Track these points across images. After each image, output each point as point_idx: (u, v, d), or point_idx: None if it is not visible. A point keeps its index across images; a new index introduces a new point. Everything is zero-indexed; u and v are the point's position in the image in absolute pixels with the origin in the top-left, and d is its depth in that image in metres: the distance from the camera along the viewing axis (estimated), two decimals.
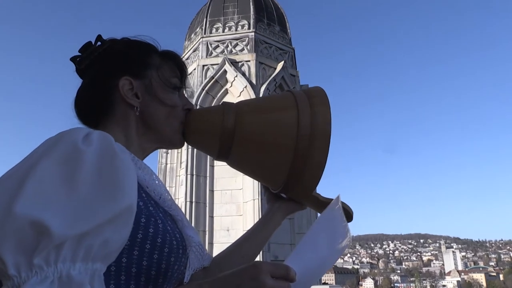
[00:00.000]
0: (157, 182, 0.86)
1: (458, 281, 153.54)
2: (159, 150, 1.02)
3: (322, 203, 1.04)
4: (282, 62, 8.64)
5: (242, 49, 8.59)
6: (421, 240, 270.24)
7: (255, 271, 0.64)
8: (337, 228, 0.82)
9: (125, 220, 0.65)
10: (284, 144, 0.93)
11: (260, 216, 1.14)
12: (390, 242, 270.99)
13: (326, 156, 0.92)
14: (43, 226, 0.56)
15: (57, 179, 0.61)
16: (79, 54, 0.95)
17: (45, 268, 0.56)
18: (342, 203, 1.05)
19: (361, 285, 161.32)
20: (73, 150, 0.65)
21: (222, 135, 0.95)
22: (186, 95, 1.04)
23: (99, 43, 0.95)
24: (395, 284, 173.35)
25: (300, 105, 0.95)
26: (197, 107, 7.83)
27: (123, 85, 0.89)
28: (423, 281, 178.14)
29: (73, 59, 0.95)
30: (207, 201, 7.56)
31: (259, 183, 1.16)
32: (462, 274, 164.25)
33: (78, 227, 0.58)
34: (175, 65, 0.98)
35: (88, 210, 0.60)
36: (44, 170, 0.61)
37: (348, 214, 1.06)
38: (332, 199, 0.99)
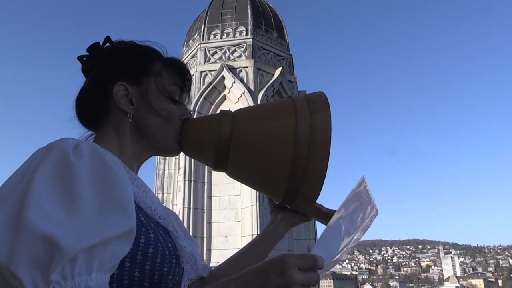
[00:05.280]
0: (147, 193, 0.84)
1: (456, 287, 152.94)
2: (156, 156, 1.01)
3: (325, 215, 1.00)
4: (280, 68, 8.65)
5: (240, 55, 8.60)
6: (420, 246, 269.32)
7: (281, 266, 0.60)
8: (361, 208, 0.79)
9: (130, 238, 0.65)
10: (282, 153, 0.88)
11: (258, 222, 1.13)
12: (388, 248, 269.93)
13: (326, 166, 0.87)
14: (55, 241, 0.56)
15: (55, 195, 0.61)
16: (87, 53, 0.94)
17: (62, 283, 0.56)
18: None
19: None
20: (65, 163, 0.64)
21: (218, 143, 0.91)
22: (187, 101, 1.01)
23: (107, 44, 0.94)
24: None
25: (299, 112, 0.89)
26: (195, 113, 7.84)
27: (117, 90, 0.87)
28: (422, 287, 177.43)
29: (80, 58, 0.95)
30: (205, 207, 7.52)
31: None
32: (461, 280, 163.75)
33: (86, 240, 0.58)
34: (177, 73, 0.96)
35: (95, 225, 0.60)
36: (40, 186, 0.60)
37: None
38: (335, 211, 0.97)
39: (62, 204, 0.60)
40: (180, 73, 0.97)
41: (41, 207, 0.58)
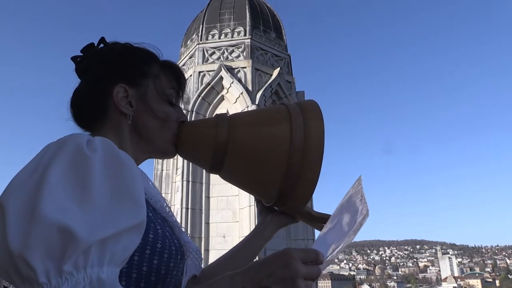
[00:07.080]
0: (153, 189, 0.87)
1: (454, 287, 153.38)
2: (153, 158, 1.03)
3: (315, 218, 1.04)
4: (278, 68, 8.66)
5: (238, 56, 8.61)
6: (417, 246, 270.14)
7: (286, 259, 0.62)
8: (356, 207, 0.82)
9: (140, 230, 0.66)
10: (277, 159, 0.92)
11: (256, 223, 1.15)
12: (386, 248, 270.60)
13: (319, 172, 0.91)
14: (70, 232, 0.56)
15: (69, 186, 0.61)
16: (81, 54, 0.94)
17: (75, 274, 0.56)
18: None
19: None
20: (80, 156, 0.65)
21: (214, 148, 0.94)
22: (182, 104, 1.03)
23: (101, 45, 0.94)
24: None
25: (293, 119, 0.94)
26: (193, 113, 7.85)
27: (117, 92, 0.88)
28: (420, 287, 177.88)
29: (73, 58, 0.95)
30: (203, 208, 7.52)
31: None
32: (459, 280, 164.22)
33: (100, 232, 0.59)
34: (173, 76, 0.97)
35: (107, 217, 0.61)
36: (55, 178, 0.61)
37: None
38: (325, 214, 1.03)
39: (76, 196, 0.61)
40: (176, 76, 0.99)
41: (56, 198, 0.59)
